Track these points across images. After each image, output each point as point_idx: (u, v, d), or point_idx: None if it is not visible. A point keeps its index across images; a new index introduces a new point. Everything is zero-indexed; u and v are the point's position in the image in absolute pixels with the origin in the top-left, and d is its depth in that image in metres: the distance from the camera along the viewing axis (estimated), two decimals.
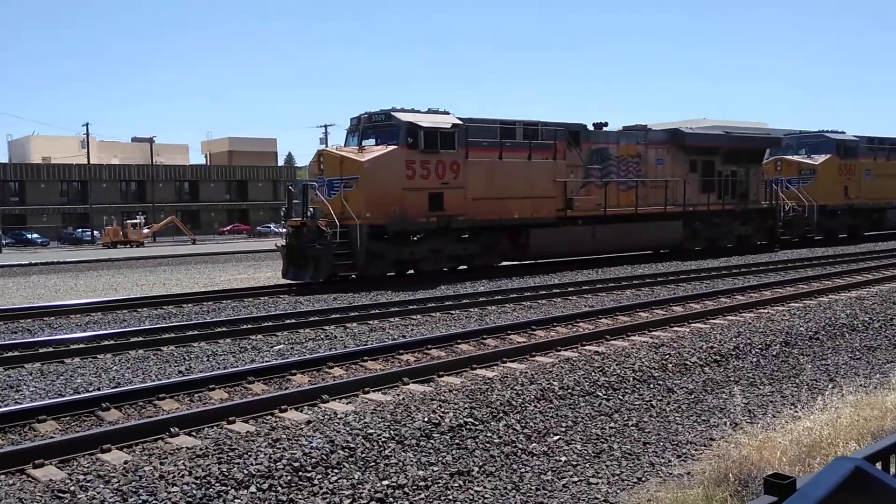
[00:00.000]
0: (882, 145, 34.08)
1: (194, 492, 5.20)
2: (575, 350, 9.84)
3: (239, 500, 5.20)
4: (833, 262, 22.24)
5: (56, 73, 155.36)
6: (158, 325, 12.44)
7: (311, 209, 18.51)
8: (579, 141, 22.46)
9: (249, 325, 12.20)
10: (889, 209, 34.23)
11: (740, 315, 12.42)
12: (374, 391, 7.87)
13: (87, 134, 65.40)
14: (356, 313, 13.30)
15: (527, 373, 8.49)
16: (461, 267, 20.63)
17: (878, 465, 2.66)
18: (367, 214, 17.81)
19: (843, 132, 32.73)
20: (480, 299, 14.90)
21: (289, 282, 18.36)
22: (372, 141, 19.10)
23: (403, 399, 7.47)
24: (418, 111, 19.44)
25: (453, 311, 13.64)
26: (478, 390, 7.74)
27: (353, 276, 18.23)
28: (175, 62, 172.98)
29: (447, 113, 19.85)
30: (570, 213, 21.95)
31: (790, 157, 31.00)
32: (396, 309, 13.76)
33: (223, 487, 5.31)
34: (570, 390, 8.00)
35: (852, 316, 12.32)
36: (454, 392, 7.70)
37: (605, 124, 23.91)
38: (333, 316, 13.13)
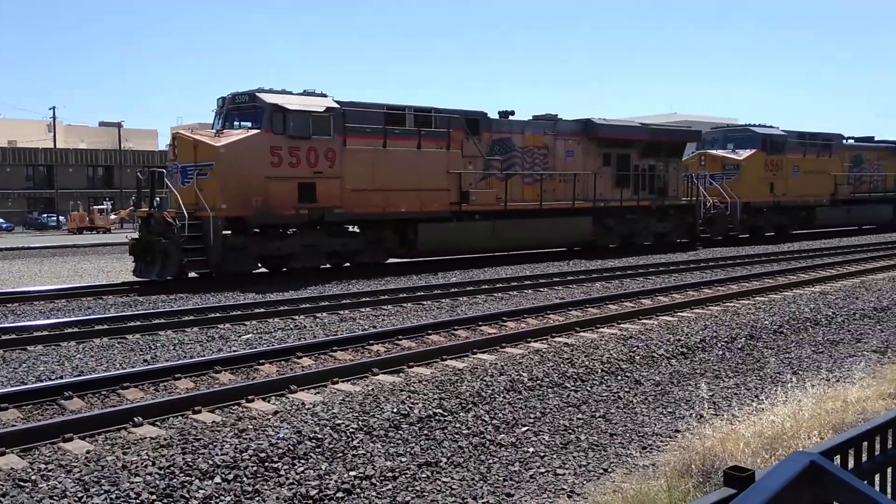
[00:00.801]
0: (813, 140, 32.44)
1: (157, 482, 5.14)
2: (545, 342, 9.91)
3: (203, 491, 5.15)
4: (796, 258, 22.63)
5: (22, 54, 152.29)
6: (124, 313, 12.28)
7: (159, 199, 16.97)
8: (479, 130, 20.89)
9: (217, 314, 12.09)
10: (818, 207, 32.58)
11: (707, 308, 12.59)
12: (343, 381, 7.85)
13: (54, 117, 64.44)
14: (327, 303, 13.24)
15: (497, 364, 8.52)
16: (345, 264, 19.01)
17: (837, 459, 2.71)
18: (223, 205, 16.14)
19: (771, 126, 31.14)
20: (453, 290, 14.95)
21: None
22: (238, 124, 17.44)
23: (373, 390, 7.46)
24: (290, 92, 17.72)
25: (425, 302, 13.64)
26: (448, 381, 7.75)
27: (213, 273, 16.49)
28: (145, 46, 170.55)
29: (324, 95, 18.24)
30: (466, 207, 20.41)
31: (714, 151, 30.04)
32: (368, 299, 13.73)
33: (187, 478, 5.26)
34: (538, 381, 8.05)
35: (815, 310, 12.54)
36: (424, 383, 7.71)
37: (512, 113, 22.43)
38: (303, 306, 13.06)
